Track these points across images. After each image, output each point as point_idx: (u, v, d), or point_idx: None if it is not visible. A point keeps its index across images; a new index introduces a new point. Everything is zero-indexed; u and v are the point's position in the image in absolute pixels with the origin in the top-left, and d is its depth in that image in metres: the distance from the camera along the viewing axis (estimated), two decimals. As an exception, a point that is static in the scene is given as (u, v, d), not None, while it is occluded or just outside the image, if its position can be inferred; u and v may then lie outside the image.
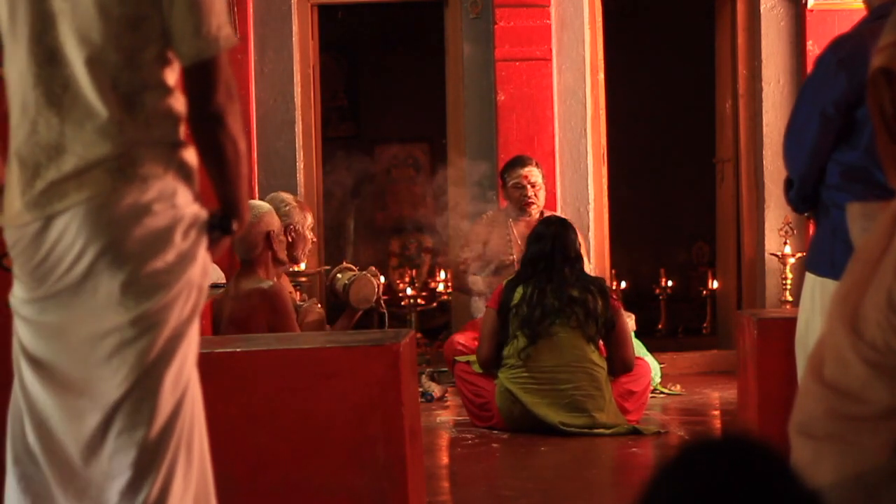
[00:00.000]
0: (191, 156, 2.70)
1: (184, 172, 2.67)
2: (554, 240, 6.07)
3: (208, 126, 2.68)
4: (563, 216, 6.54)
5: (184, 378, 2.67)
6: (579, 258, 6.13)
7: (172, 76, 2.69)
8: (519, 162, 7.19)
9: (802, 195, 3.61)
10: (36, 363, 2.67)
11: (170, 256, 2.62)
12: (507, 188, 7.21)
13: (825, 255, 3.56)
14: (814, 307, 3.56)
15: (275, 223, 5.68)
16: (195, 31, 2.62)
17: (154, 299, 2.60)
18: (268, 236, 5.62)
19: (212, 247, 2.75)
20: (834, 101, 3.48)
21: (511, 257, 7.10)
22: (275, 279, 5.64)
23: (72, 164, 2.60)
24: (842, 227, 3.50)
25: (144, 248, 2.60)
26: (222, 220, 2.74)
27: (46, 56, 2.63)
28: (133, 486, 2.60)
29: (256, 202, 5.78)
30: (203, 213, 2.71)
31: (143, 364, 2.60)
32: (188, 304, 2.66)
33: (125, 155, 2.60)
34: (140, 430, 2.60)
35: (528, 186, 7.12)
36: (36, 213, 2.62)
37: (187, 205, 2.66)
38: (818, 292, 3.55)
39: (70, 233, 2.59)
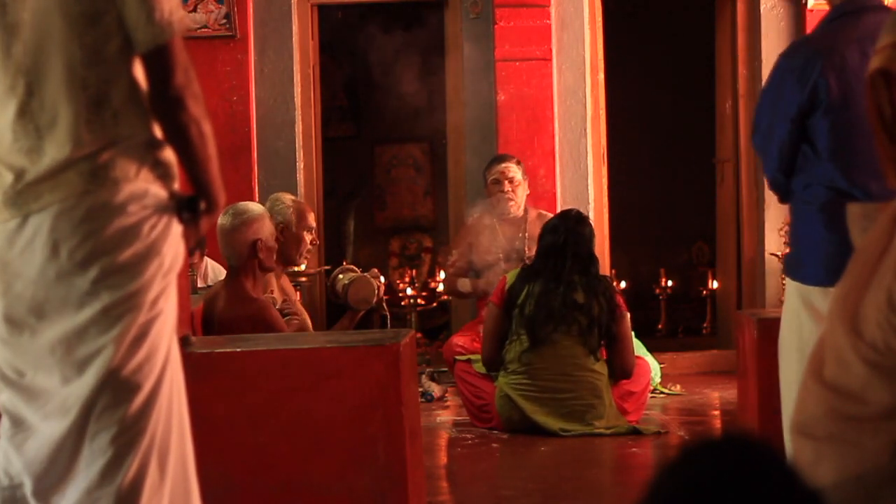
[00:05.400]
0: (168, 155, 2.76)
1: (159, 171, 2.73)
2: (567, 235, 6.01)
3: (169, 110, 2.72)
4: (580, 210, 6.46)
5: (160, 356, 2.72)
6: (593, 259, 6.08)
7: (138, 70, 2.74)
8: (497, 158, 7.21)
9: (778, 192, 3.70)
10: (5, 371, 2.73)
11: (139, 247, 2.68)
12: (487, 186, 7.23)
13: (795, 260, 3.60)
14: (790, 310, 3.60)
15: (264, 230, 5.35)
16: (148, 19, 2.68)
17: (126, 288, 2.66)
18: (254, 245, 5.28)
19: (186, 228, 2.79)
20: (789, 114, 3.51)
21: (498, 256, 7.10)
22: (265, 288, 5.50)
23: (46, 165, 2.67)
24: (808, 233, 3.54)
25: (114, 244, 2.66)
26: (190, 202, 2.78)
27: (15, 67, 2.71)
28: (114, 464, 2.64)
29: (249, 206, 5.52)
30: (168, 198, 2.75)
31: (120, 349, 2.65)
32: (160, 287, 2.72)
33: (96, 156, 2.67)
34: (121, 407, 2.65)
35: (505, 182, 7.12)
36: (13, 210, 2.69)
37: (158, 203, 2.72)
38: (793, 295, 3.60)
39: (43, 233, 2.66)
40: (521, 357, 5.93)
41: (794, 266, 3.61)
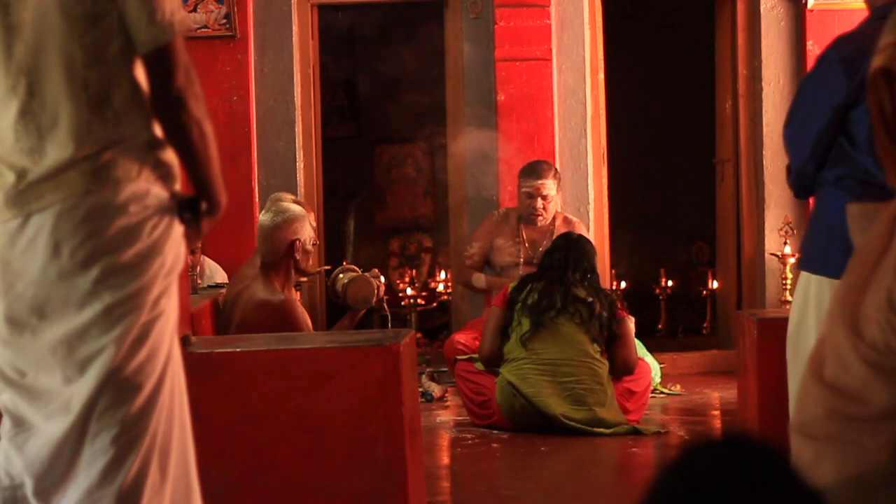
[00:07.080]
0: (169, 156, 2.75)
1: (160, 172, 2.74)
2: (569, 249, 6.12)
3: (170, 110, 2.72)
4: (582, 235, 6.49)
5: (161, 356, 2.72)
6: (594, 272, 6.14)
7: (139, 71, 2.74)
8: (536, 172, 7.02)
9: (800, 185, 3.65)
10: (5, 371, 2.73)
11: (140, 247, 2.68)
12: (519, 192, 7.14)
13: (819, 253, 3.57)
14: (806, 304, 3.57)
15: (304, 231, 5.41)
16: (150, 19, 2.68)
17: (127, 288, 2.66)
18: (292, 245, 5.35)
19: (187, 229, 2.79)
20: (832, 102, 3.50)
21: (518, 259, 7.07)
22: (290, 290, 5.53)
23: (48, 165, 2.68)
24: (838, 225, 3.52)
25: (116, 244, 2.66)
26: (192, 203, 2.78)
27: (17, 67, 2.71)
28: (115, 464, 2.65)
29: (291, 206, 5.55)
30: (169, 198, 2.75)
31: (121, 350, 2.65)
32: (161, 287, 2.72)
33: (98, 156, 2.67)
34: (122, 407, 2.65)
35: (539, 198, 7.02)
36: (15, 210, 2.69)
37: (160, 203, 2.72)
38: (812, 290, 3.56)
39: (44, 233, 2.66)
40: (521, 339, 5.95)
41: (820, 260, 3.55)
